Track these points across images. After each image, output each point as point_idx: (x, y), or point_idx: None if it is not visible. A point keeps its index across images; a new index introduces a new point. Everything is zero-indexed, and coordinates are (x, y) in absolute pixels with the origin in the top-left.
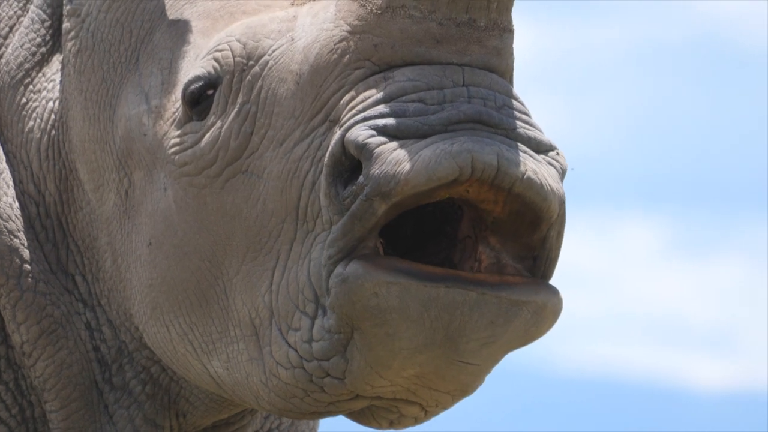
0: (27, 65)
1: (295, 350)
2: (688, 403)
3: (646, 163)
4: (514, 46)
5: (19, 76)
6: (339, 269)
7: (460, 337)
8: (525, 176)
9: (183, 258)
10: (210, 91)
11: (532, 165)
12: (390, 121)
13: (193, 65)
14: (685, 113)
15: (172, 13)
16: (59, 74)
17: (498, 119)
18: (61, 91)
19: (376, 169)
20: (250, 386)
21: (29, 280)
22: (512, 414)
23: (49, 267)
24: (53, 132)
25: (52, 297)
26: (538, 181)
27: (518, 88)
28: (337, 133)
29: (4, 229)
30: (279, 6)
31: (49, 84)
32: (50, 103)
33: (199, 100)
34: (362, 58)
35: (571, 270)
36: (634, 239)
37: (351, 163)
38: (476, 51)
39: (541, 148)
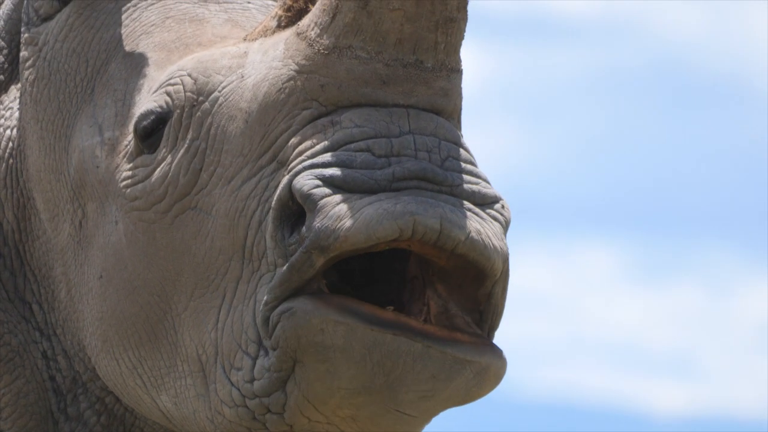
0: None
1: (238, 389)
2: (648, 428)
3: (605, 188)
4: (462, 86)
5: None
6: (286, 304)
7: (400, 386)
8: (468, 238)
9: (132, 292)
10: (162, 126)
11: (476, 225)
12: (336, 171)
13: (146, 99)
14: (644, 138)
15: (128, 44)
16: (17, 102)
17: (443, 176)
18: (19, 119)
19: (317, 222)
20: (197, 422)
21: None
22: None
23: (7, 295)
24: (11, 160)
25: (9, 325)
26: (482, 242)
27: (476, 112)
28: (285, 178)
29: None
30: (234, 37)
31: (7, 112)
32: (8, 131)
33: (151, 133)
34: (309, 98)
35: (531, 295)
36: (593, 264)
37: (298, 208)
38: (423, 92)
39: (486, 200)
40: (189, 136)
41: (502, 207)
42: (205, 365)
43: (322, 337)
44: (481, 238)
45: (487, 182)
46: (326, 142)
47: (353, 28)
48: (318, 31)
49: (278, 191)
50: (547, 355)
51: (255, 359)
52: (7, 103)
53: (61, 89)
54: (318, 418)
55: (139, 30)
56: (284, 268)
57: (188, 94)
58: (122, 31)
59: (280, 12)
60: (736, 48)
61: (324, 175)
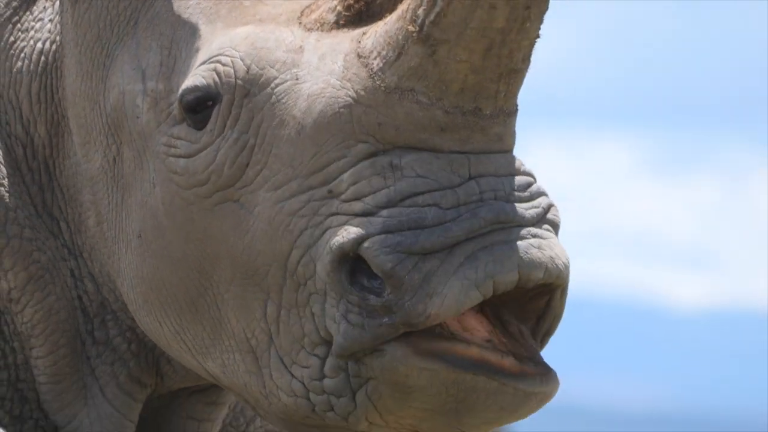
0: (15, 3)
1: (302, 383)
2: (667, 320)
3: (624, 82)
4: (515, 123)
5: (7, 14)
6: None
7: (468, 412)
8: (545, 273)
9: (171, 262)
10: (209, 103)
11: (548, 252)
12: (411, 238)
13: (193, 64)
14: (664, 33)
15: None
16: (46, 12)
17: (512, 215)
18: (61, 35)
19: (407, 301)
20: (249, 392)
21: (15, 226)
22: None
23: (35, 210)
24: (45, 76)
25: (38, 242)
26: (557, 268)
27: None
28: (352, 230)
29: None
30: None
31: (37, 23)
32: (39, 44)
33: (197, 109)
34: (365, 132)
35: (550, 189)
36: (612, 158)
37: (355, 255)
38: (479, 139)
39: (544, 219)
40: (237, 128)
41: (554, 215)
42: (256, 349)
43: (406, 380)
44: (555, 264)
45: (539, 192)
46: (389, 191)
47: (418, 72)
48: (381, 64)
49: (340, 239)
50: (567, 249)
51: (324, 358)
52: (36, 13)
53: (101, 16)
54: (379, 422)
55: None
56: (366, 334)
57: (239, 82)
58: None
59: (339, 8)
60: None
61: (401, 245)
